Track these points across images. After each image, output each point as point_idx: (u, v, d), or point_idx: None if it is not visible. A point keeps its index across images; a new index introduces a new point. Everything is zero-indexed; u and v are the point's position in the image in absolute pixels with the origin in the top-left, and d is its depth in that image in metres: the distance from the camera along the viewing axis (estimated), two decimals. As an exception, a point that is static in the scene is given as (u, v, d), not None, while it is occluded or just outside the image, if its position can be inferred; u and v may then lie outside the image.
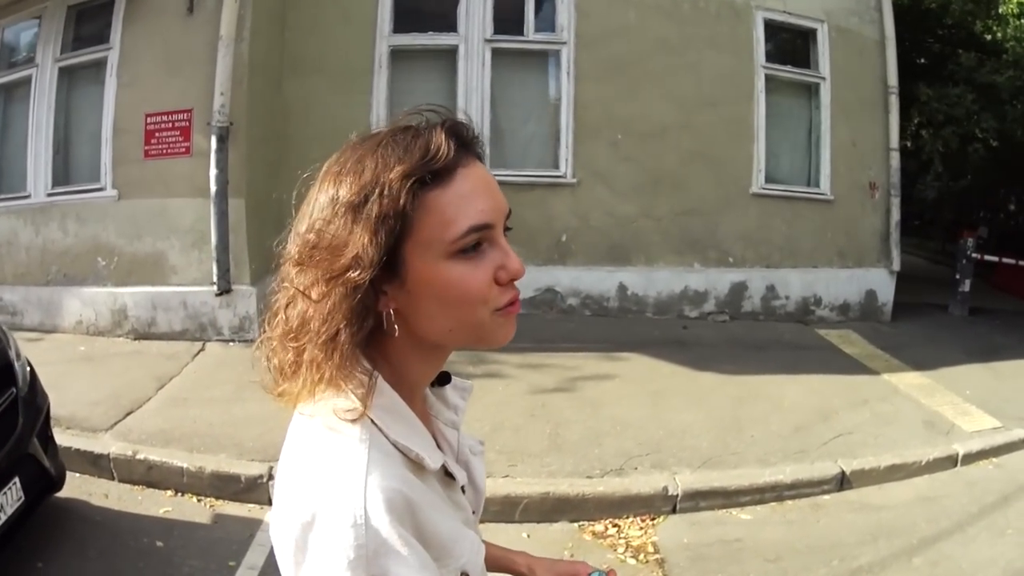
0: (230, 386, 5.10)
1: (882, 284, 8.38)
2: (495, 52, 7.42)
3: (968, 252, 8.95)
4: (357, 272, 0.74)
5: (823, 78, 8.09)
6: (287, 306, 0.80)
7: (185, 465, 3.95)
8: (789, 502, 4.30)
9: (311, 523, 0.72)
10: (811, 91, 8.17)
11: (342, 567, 0.70)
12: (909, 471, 4.60)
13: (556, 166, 7.39)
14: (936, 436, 5.14)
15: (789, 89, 8.12)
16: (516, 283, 0.83)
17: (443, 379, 0.98)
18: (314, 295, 0.76)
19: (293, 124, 7.14)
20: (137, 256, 6.26)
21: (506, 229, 0.84)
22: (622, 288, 7.50)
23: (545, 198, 7.37)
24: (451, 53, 7.40)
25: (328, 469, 0.75)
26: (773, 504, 4.26)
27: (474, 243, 0.78)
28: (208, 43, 6.02)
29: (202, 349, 6.05)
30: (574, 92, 7.39)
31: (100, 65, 6.34)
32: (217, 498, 3.92)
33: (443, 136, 0.77)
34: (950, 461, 4.80)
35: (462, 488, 0.93)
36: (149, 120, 6.13)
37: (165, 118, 6.13)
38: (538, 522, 3.94)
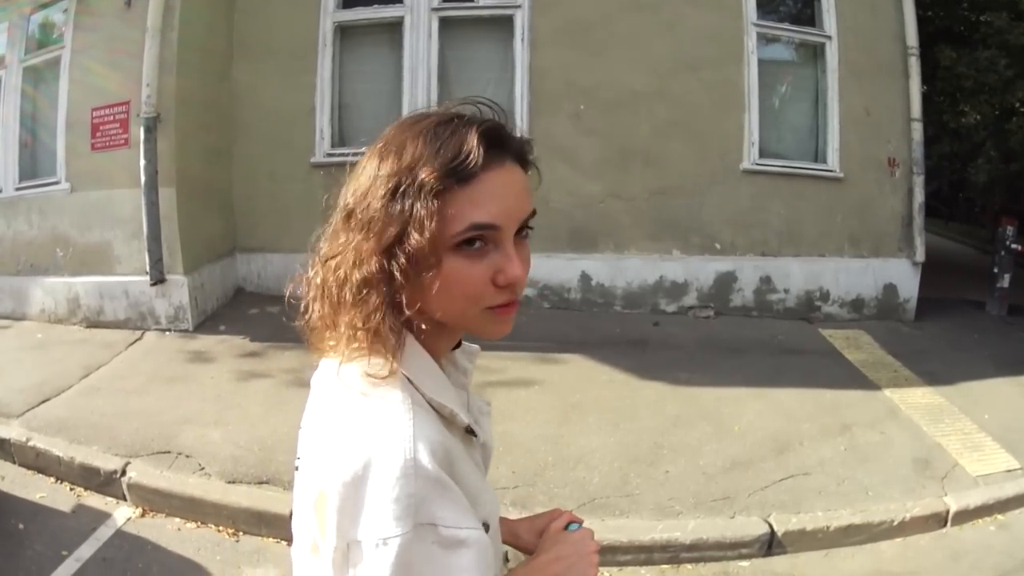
0: (142, 378, 4.69)
1: (903, 277, 6.61)
2: (444, 22, 6.20)
3: (1007, 242, 7.00)
4: (390, 252, 0.75)
5: (828, 37, 6.41)
6: (326, 262, 0.80)
7: (61, 454, 3.74)
8: (688, 567, 2.89)
9: (362, 476, 0.70)
10: (816, 52, 6.49)
11: (395, 514, 0.69)
12: (874, 533, 3.12)
13: (511, 142, 6.05)
14: (926, 481, 3.59)
15: (789, 50, 6.47)
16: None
17: (456, 344, 0.95)
18: (354, 265, 0.77)
19: (242, 108, 6.37)
20: (88, 247, 5.86)
21: (525, 231, 0.81)
22: (585, 278, 6.11)
23: (497, 178, 6.06)
24: (398, 25, 6.21)
25: (376, 424, 0.74)
26: (665, 568, 2.87)
27: (474, 240, 0.76)
28: (142, 35, 5.51)
29: (140, 338, 5.53)
30: (529, 60, 6.05)
31: (56, 63, 6.02)
32: (85, 488, 3.63)
33: (475, 140, 0.75)
34: (936, 520, 3.28)
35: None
36: (94, 114, 5.79)
37: (108, 111, 5.77)
38: None
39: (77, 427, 3.95)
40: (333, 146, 6.32)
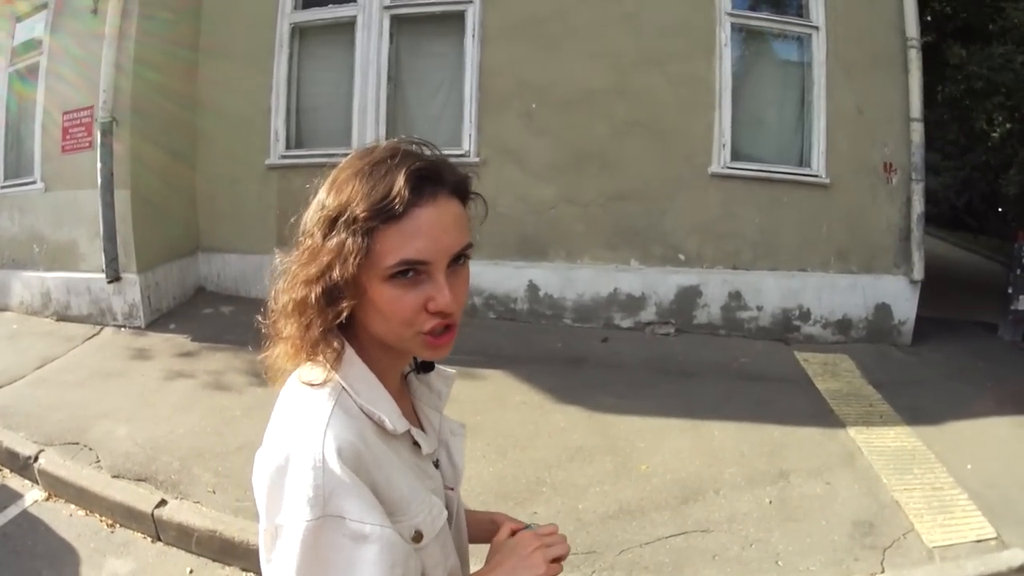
0: (85, 372, 4.62)
1: (898, 296, 5.58)
2: (396, 20, 5.65)
3: (1024, 259, 5.85)
4: (323, 280, 0.78)
5: (815, 28, 5.49)
6: (279, 288, 0.84)
7: (-7, 438, 3.69)
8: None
9: (283, 467, 0.76)
10: (801, 44, 5.58)
11: (303, 503, 0.73)
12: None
13: (459, 143, 5.41)
14: (862, 552, 2.76)
15: (768, 42, 5.59)
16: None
17: (427, 367, 0.98)
18: (292, 289, 0.81)
19: (205, 111, 6.05)
20: (59, 244, 5.80)
21: (464, 257, 0.83)
22: (532, 288, 5.37)
23: (443, 182, 5.41)
24: (351, 25, 5.69)
25: (297, 421, 0.79)
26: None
27: (406, 272, 0.78)
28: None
29: (97, 333, 5.44)
30: (480, 57, 5.39)
31: (36, 70, 5.99)
32: (10, 470, 3.62)
33: (403, 180, 0.77)
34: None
35: (436, 462, 0.94)
36: (65, 118, 5.74)
37: (75, 115, 5.72)
38: (212, 560, 2.95)
39: (14, 414, 3.95)
40: (288, 148, 5.84)
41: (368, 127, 5.53)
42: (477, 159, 5.33)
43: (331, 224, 0.78)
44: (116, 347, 5.13)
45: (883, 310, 5.59)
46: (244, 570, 2.89)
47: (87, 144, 5.63)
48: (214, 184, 6.00)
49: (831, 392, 4.76)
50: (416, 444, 0.89)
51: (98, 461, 3.46)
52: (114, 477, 3.33)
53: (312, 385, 0.80)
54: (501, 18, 5.39)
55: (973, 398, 4.83)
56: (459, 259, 0.82)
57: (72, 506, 3.30)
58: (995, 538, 2.92)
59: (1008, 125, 6.54)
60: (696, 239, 5.37)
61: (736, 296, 5.36)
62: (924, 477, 3.61)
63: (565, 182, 5.27)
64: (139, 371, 4.66)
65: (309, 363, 0.83)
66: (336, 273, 0.77)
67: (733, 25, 5.41)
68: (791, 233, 5.41)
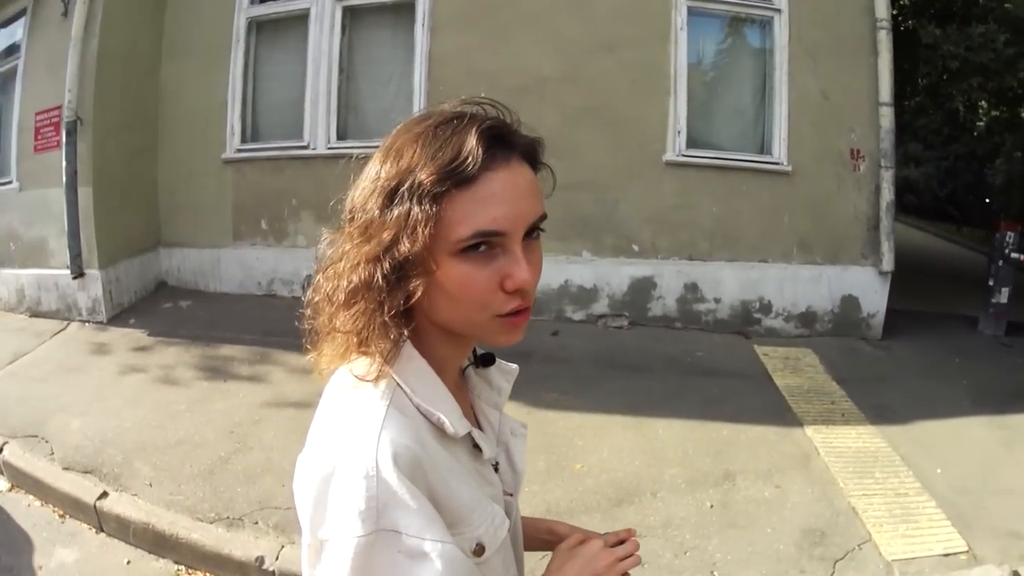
0: (50, 367, 4.56)
1: (867, 288, 5.24)
2: (349, 11, 5.47)
3: (1007, 250, 5.45)
4: (388, 257, 0.67)
5: (777, 10, 5.18)
6: (327, 269, 0.73)
7: (-36, 432, 3.67)
8: None
9: (330, 476, 0.66)
10: (762, 27, 5.27)
11: (354, 517, 0.63)
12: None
13: (406, 134, 5.20)
14: (810, 563, 2.57)
15: (727, 25, 5.29)
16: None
17: (488, 360, 0.86)
18: (350, 272, 0.69)
19: (166, 107, 5.92)
20: (31, 241, 5.77)
21: (538, 231, 0.71)
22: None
23: (393, 173, 5.22)
24: (305, 18, 5.52)
25: (347, 425, 0.69)
26: None
27: (480, 245, 0.67)
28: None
29: (64, 328, 5.35)
30: (429, 46, 5.18)
31: (15, 72, 5.96)
32: None
33: (475, 140, 0.66)
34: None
35: (495, 465, 0.83)
36: (37, 118, 5.71)
37: (46, 115, 5.67)
38: (148, 552, 2.90)
39: (-21, 408, 3.86)
40: (243, 142, 5.69)
41: (320, 120, 5.36)
42: (426, 150, 5.12)
43: (391, 195, 0.67)
44: (79, 342, 5.08)
45: (850, 302, 5.25)
46: (176, 563, 2.84)
47: (56, 143, 5.57)
48: (175, 179, 5.88)
49: (790, 388, 4.47)
50: (476, 447, 0.78)
51: (52, 453, 3.44)
52: (64, 469, 3.32)
53: (364, 380, 0.70)
54: (452, 6, 5.17)
55: (947, 396, 4.50)
56: (532, 233, 0.71)
57: (31, 496, 3.31)
58: (965, 551, 2.62)
59: (994, 112, 6.12)
60: (650, 229, 5.09)
61: (692, 288, 5.07)
62: (887, 482, 3.31)
63: (514, 172, 5.03)
64: (97, 366, 4.60)
65: (361, 357, 0.72)
66: (404, 247, 0.66)
67: (690, 8, 5.12)
68: (750, 223, 5.11)
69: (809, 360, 4.96)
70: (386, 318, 0.68)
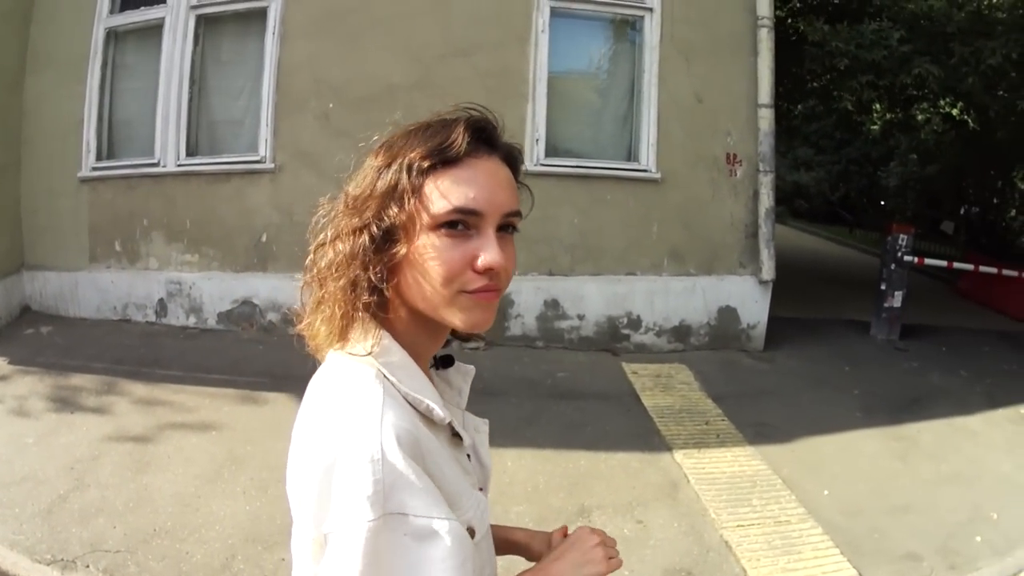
0: None
1: (746, 298, 4.85)
2: (203, 20, 5.04)
3: (899, 253, 5.05)
4: (374, 224, 0.70)
5: (649, 9, 4.78)
6: (316, 250, 0.76)
7: None
8: None
9: (332, 465, 0.64)
10: (632, 27, 4.87)
11: (362, 501, 0.61)
12: None
13: (255, 149, 4.82)
14: None
15: (586, 27, 4.89)
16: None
17: (447, 362, 0.88)
18: (338, 240, 0.73)
19: (28, 123, 5.46)
20: None
21: (510, 228, 0.74)
22: (331, 304, 4.76)
23: (243, 189, 4.84)
24: (161, 28, 5.12)
25: (346, 412, 0.67)
26: None
27: (456, 223, 0.70)
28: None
29: None
30: (279, 55, 4.78)
31: None
32: None
33: (462, 130, 0.72)
34: None
35: (467, 456, 0.82)
36: None
37: None
38: None
39: None
40: (99, 160, 5.28)
41: (170, 136, 4.96)
42: (272, 165, 4.73)
43: (379, 173, 0.72)
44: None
45: (728, 314, 4.86)
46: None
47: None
48: (36, 199, 5.47)
49: (660, 409, 4.10)
50: (456, 435, 0.78)
51: None
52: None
53: (353, 370, 0.69)
54: (303, 13, 4.76)
55: (836, 408, 4.15)
56: (507, 228, 0.73)
57: None
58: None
59: (889, 116, 5.73)
60: (513, 244, 4.70)
61: (553, 304, 4.67)
62: (766, 509, 2.96)
63: (364, 186, 4.64)
64: (-44, 397, 4.23)
65: (344, 337, 0.72)
66: (391, 213, 0.69)
67: (553, 10, 4.72)
68: (616, 234, 4.71)
69: (683, 377, 4.58)
70: (368, 286, 0.69)
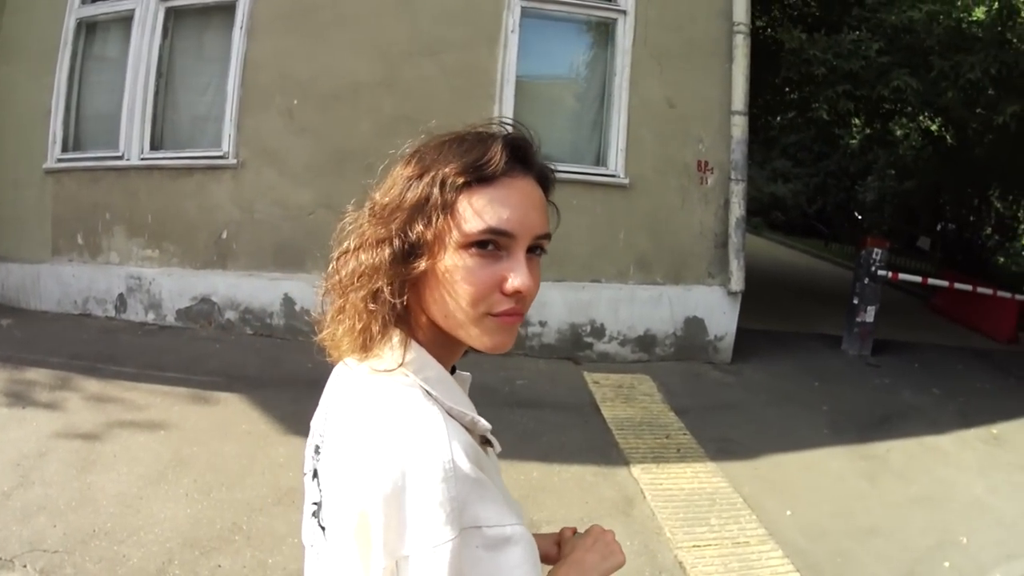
0: None
1: (714, 309, 4.69)
2: (173, 13, 4.91)
3: (873, 267, 4.88)
4: (399, 238, 0.67)
5: (623, 11, 4.63)
6: (339, 258, 0.72)
7: None
8: None
9: (401, 486, 0.60)
10: (605, 30, 4.72)
11: (441, 521, 0.59)
12: None
13: (219, 144, 4.68)
14: None
15: (566, 28, 4.74)
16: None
17: (450, 370, 0.80)
18: (363, 250, 0.69)
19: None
20: None
21: (539, 250, 0.71)
22: (288, 302, 4.61)
23: (205, 185, 4.70)
24: (131, 20, 4.99)
25: (408, 430, 0.63)
26: None
27: (487, 243, 0.67)
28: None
29: None
30: (245, 50, 4.64)
31: None
32: None
33: (499, 148, 0.68)
34: None
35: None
36: None
37: None
38: None
39: None
40: (64, 151, 5.15)
41: (135, 129, 4.82)
42: (235, 161, 4.59)
43: (411, 183, 0.68)
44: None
45: (695, 324, 4.70)
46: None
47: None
48: (1, 190, 5.36)
49: (620, 420, 3.94)
50: (488, 443, 0.76)
51: None
52: None
53: (390, 375, 0.67)
54: (271, 8, 4.62)
55: (803, 425, 4.00)
56: (535, 250, 0.71)
57: None
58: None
59: (868, 130, 5.56)
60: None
61: (516, 311, 4.52)
62: (724, 529, 2.81)
63: (325, 185, 4.49)
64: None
65: (368, 348, 0.68)
66: (418, 229, 0.66)
67: (524, 10, 4.57)
68: (582, 240, 4.56)
69: (645, 388, 4.42)
70: (387, 299, 0.66)
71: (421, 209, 0.66)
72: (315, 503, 0.74)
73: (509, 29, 4.53)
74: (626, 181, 4.56)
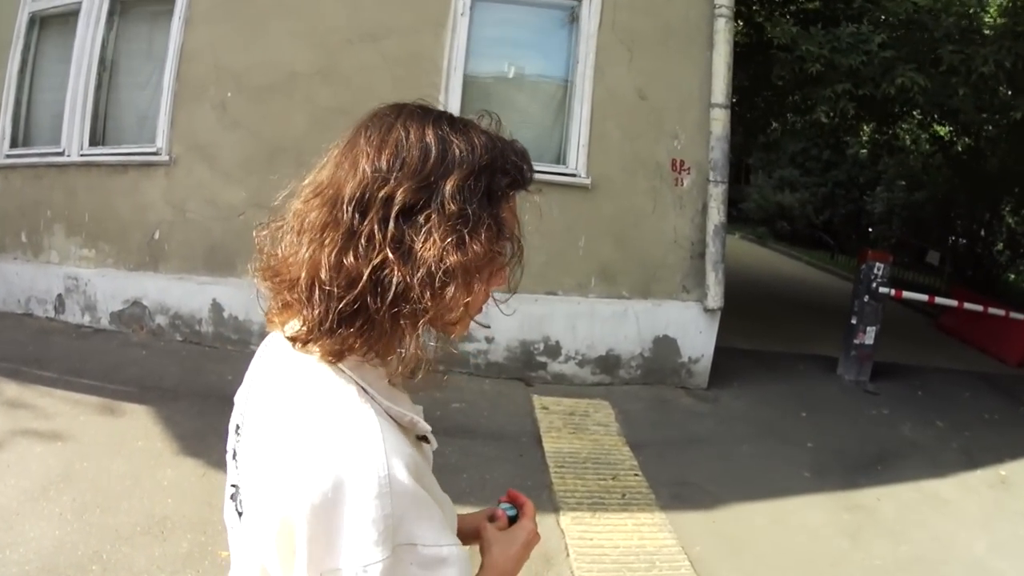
0: None
1: (688, 327, 3.99)
2: (119, 4, 4.51)
3: (873, 283, 4.09)
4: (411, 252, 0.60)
5: (585, -7, 3.98)
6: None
7: None
8: None
9: (333, 497, 0.54)
10: (568, 13, 4.08)
11: (374, 539, 0.53)
12: None
13: (154, 140, 4.25)
14: None
15: (522, 10, 4.12)
16: None
17: None
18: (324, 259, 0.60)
19: None
20: None
21: None
22: (216, 308, 4.12)
23: (139, 183, 4.26)
24: (79, 13, 4.63)
25: (344, 438, 0.56)
26: None
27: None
28: None
29: None
30: (182, 41, 4.18)
31: None
32: None
33: (529, 164, 0.65)
34: None
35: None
36: None
37: None
38: None
39: None
40: (12, 147, 4.82)
41: (76, 124, 4.43)
42: (168, 157, 4.13)
43: (469, 181, 0.59)
44: None
45: (666, 345, 4.01)
46: None
47: None
48: (-43, 188, 5.09)
49: (562, 456, 3.32)
50: (423, 438, 0.68)
51: None
52: None
53: (335, 386, 0.59)
54: (211, -6, 4.18)
55: (780, 465, 3.32)
56: None
57: None
58: None
59: (876, 136, 4.75)
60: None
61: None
62: None
63: (256, 182, 3.97)
64: None
65: (335, 341, 0.59)
66: (474, 249, 0.59)
67: (477, -9, 3.98)
68: (534, 247, 3.86)
69: (601, 416, 3.77)
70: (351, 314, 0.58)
71: (476, 221, 0.60)
72: (233, 485, 0.66)
73: (459, 12, 3.93)
74: (588, 181, 3.90)
